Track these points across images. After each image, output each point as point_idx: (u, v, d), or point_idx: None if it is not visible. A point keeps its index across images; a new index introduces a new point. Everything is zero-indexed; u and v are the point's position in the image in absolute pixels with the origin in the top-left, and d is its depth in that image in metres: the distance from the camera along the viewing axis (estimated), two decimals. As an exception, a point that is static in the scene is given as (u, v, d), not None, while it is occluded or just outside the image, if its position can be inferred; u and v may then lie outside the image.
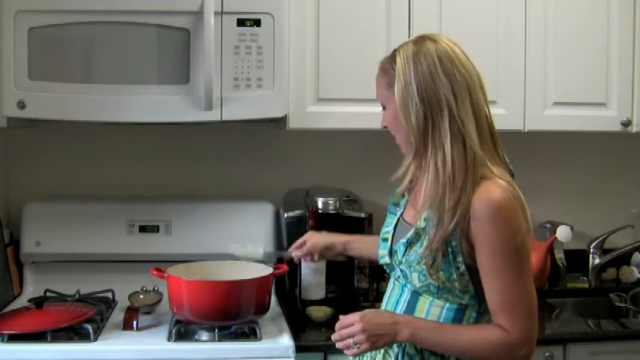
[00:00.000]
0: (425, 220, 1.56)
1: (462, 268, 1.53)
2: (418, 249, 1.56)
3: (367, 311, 1.60)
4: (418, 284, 1.58)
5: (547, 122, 2.44)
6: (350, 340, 1.55)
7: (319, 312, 2.19)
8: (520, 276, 1.49)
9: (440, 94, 1.52)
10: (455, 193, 1.49)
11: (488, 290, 1.51)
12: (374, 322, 1.55)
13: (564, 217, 2.71)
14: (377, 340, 1.54)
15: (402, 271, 1.62)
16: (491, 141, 1.57)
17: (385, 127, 1.67)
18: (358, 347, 1.54)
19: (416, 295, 1.61)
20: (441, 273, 1.53)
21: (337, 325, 1.59)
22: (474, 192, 1.48)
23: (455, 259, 1.52)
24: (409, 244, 1.58)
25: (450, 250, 1.52)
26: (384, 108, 1.67)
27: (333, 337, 1.59)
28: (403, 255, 1.59)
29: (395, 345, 1.60)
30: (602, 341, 2.18)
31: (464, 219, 1.49)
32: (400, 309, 1.63)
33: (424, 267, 1.54)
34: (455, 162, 1.50)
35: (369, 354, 1.66)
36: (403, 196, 1.72)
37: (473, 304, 1.57)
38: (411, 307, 1.61)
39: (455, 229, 1.50)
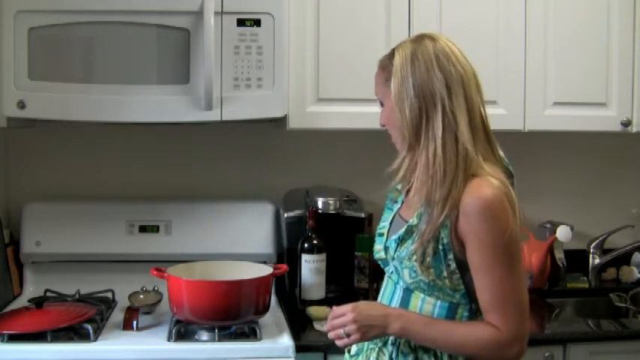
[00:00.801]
0: (418, 217, 1.58)
1: (453, 265, 1.54)
2: (410, 245, 1.57)
3: (360, 302, 1.63)
4: (409, 280, 1.59)
5: (547, 122, 2.44)
6: (341, 331, 1.57)
7: (319, 312, 2.19)
8: (510, 273, 1.49)
9: (435, 90, 1.53)
10: (445, 187, 1.50)
11: (479, 288, 1.52)
12: (366, 314, 1.57)
13: (564, 217, 2.71)
14: (367, 331, 1.56)
15: (394, 267, 1.63)
16: (486, 139, 1.58)
17: (383, 125, 1.68)
18: (349, 337, 1.56)
19: (408, 292, 1.62)
20: (432, 270, 1.54)
21: (330, 316, 1.61)
22: (465, 188, 1.50)
23: (445, 257, 1.53)
24: (401, 241, 1.59)
25: (440, 247, 1.53)
26: (382, 105, 1.68)
27: (326, 327, 1.62)
28: (395, 251, 1.60)
29: (389, 343, 1.60)
30: (602, 341, 2.18)
31: (453, 214, 1.50)
32: (394, 305, 1.64)
33: (415, 263, 1.55)
34: (446, 156, 1.51)
35: (364, 352, 1.67)
36: (401, 192, 1.73)
37: (464, 303, 1.58)
38: (404, 303, 1.62)
39: (445, 224, 1.51)
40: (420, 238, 1.54)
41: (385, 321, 1.55)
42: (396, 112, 1.58)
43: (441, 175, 1.51)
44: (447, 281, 1.55)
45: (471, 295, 1.56)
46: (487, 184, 1.50)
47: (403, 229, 1.60)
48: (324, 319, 2.15)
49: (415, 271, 1.56)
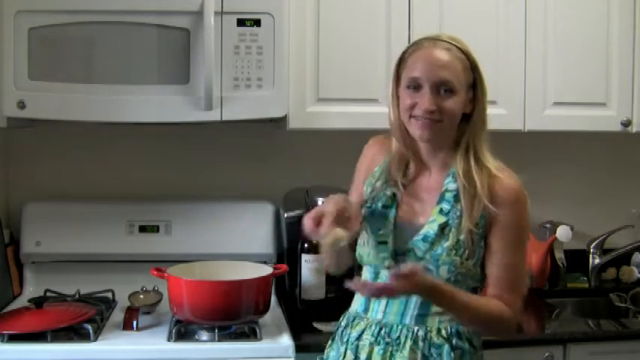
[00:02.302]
0: (443, 213, 1.61)
1: (483, 251, 1.61)
2: (444, 243, 1.59)
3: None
4: (446, 276, 1.60)
5: (547, 122, 2.44)
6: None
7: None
8: (525, 254, 1.65)
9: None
10: (484, 179, 1.60)
11: (496, 264, 1.60)
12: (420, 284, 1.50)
13: (564, 217, 2.71)
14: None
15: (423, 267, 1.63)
16: None
17: (432, 111, 1.58)
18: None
19: None
20: (469, 260, 1.60)
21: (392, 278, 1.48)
22: (492, 180, 1.60)
23: (479, 244, 1.60)
24: (434, 240, 1.60)
25: (477, 237, 1.59)
26: (450, 91, 1.59)
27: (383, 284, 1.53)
28: (426, 251, 1.60)
29: (420, 339, 1.59)
30: (602, 341, 2.18)
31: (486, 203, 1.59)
32: (413, 305, 1.62)
33: (455, 257, 1.58)
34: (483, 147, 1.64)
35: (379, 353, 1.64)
36: (392, 198, 1.70)
37: (480, 286, 1.65)
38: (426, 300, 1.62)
39: (483, 214, 1.58)
40: (462, 232, 1.58)
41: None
42: (461, 111, 1.61)
43: (479, 167, 1.61)
44: (478, 268, 1.61)
45: (484, 276, 1.64)
46: (511, 175, 1.62)
47: (431, 228, 1.61)
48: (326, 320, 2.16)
49: (455, 266, 1.59)
